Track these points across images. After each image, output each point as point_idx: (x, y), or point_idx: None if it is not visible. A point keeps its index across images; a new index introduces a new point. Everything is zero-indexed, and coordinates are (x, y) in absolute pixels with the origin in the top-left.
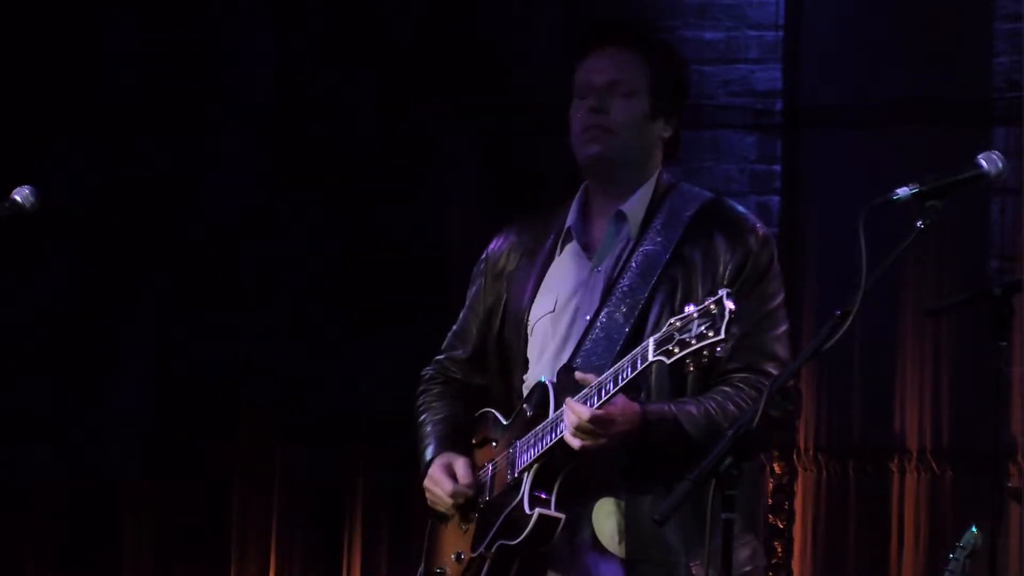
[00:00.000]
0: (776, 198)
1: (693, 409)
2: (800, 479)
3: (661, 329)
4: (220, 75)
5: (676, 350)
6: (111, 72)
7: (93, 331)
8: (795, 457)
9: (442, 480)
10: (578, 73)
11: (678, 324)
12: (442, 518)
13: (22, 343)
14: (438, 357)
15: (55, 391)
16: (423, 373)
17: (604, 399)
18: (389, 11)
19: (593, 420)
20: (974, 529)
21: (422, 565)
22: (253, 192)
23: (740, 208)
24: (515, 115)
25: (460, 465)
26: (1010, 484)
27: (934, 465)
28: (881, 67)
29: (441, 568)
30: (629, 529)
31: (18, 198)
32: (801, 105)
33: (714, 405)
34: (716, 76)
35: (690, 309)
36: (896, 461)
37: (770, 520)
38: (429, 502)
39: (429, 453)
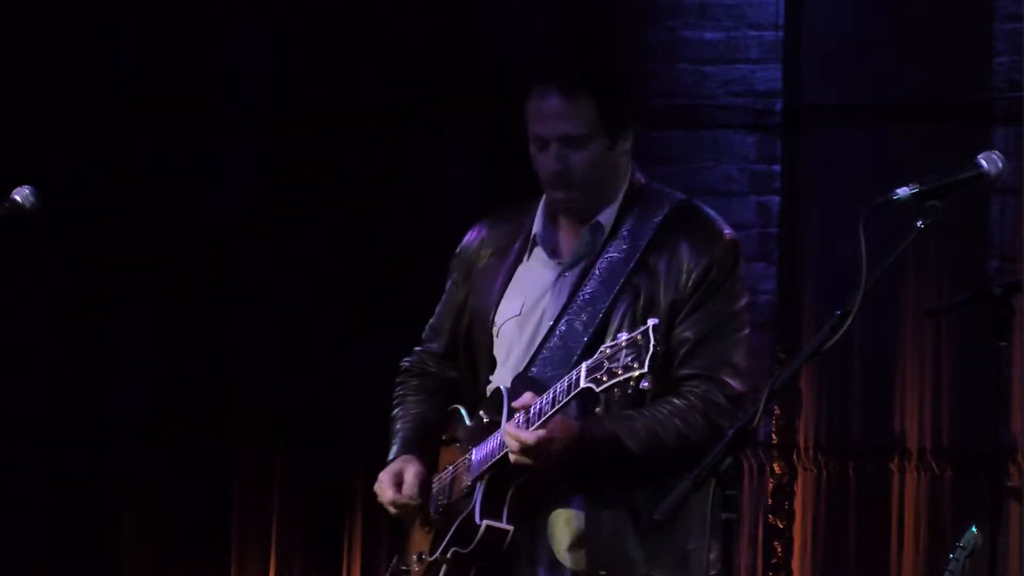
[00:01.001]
0: (776, 198)
1: (636, 425)
2: (800, 479)
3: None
4: (220, 75)
5: (604, 379)
6: (111, 72)
7: (93, 331)
8: (795, 457)
9: (386, 489)
10: (528, 119)
11: (608, 352)
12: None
13: (22, 343)
14: (416, 348)
15: (55, 391)
16: (402, 364)
17: (541, 421)
18: (389, 11)
19: (528, 445)
20: (974, 529)
21: (395, 559)
22: (253, 192)
23: (709, 212)
24: (515, 115)
25: (409, 474)
26: (1010, 483)
27: (934, 465)
28: (881, 67)
29: (407, 566)
30: (586, 542)
31: (18, 198)
32: (801, 105)
33: (660, 420)
34: (716, 76)
35: (621, 338)
36: (896, 461)
37: (770, 520)
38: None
39: (391, 454)
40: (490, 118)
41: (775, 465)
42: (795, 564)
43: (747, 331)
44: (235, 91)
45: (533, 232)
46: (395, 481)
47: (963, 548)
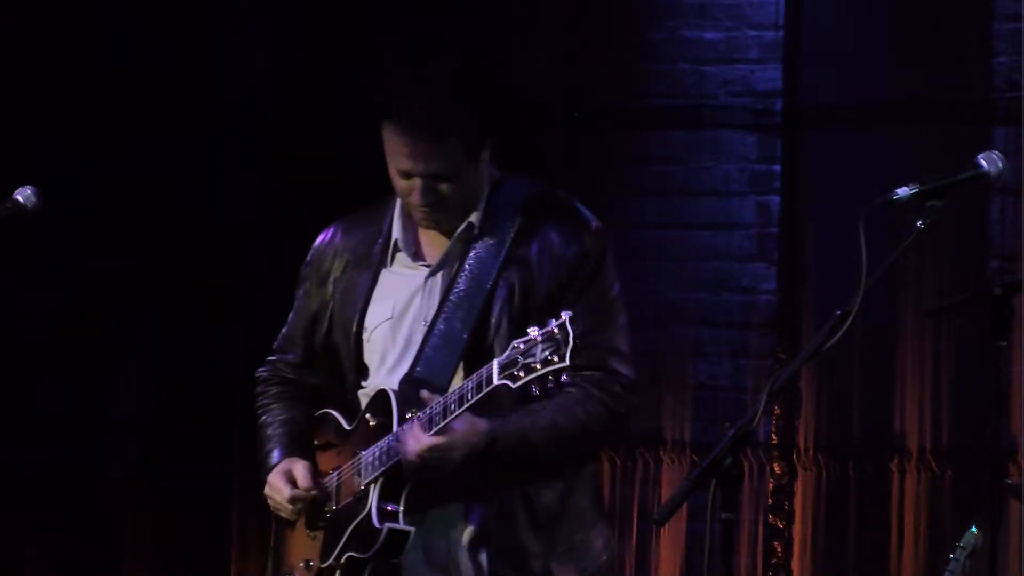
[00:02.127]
0: (776, 198)
1: (541, 419)
2: (800, 479)
3: (502, 338)
4: (220, 75)
5: (521, 374)
6: (111, 72)
7: (93, 331)
8: (795, 457)
9: (281, 487)
10: (387, 145)
11: (522, 347)
12: (287, 523)
13: (23, 343)
14: (271, 358)
15: (55, 391)
16: (258, 374)
17: (448, 419)
18: (389, 11)
19: (432, 448)
20: (974, 529)
21: (269, 569)
22: (253, 192)
23: (573, 202)
24: (515, 115)
25: (300, 469)
26: (1010, 481)
27: (934, 465)
28: (881, 67)
29: (289, 573)
30: (482, 539)
31: (20, 198)
32: (801, 105)
33: (562, 411)
34: (716, 76)
35: (534, 333)
36: (896, 461)
37: (770, 520)
38: (272, 509)
39: (273, 458)
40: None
41: (775, 465)
42: (795, 564)
43: (625, 317)
44: (235, 91)
45: (394, 237)
46: (287, 479)
47: (963, 548)
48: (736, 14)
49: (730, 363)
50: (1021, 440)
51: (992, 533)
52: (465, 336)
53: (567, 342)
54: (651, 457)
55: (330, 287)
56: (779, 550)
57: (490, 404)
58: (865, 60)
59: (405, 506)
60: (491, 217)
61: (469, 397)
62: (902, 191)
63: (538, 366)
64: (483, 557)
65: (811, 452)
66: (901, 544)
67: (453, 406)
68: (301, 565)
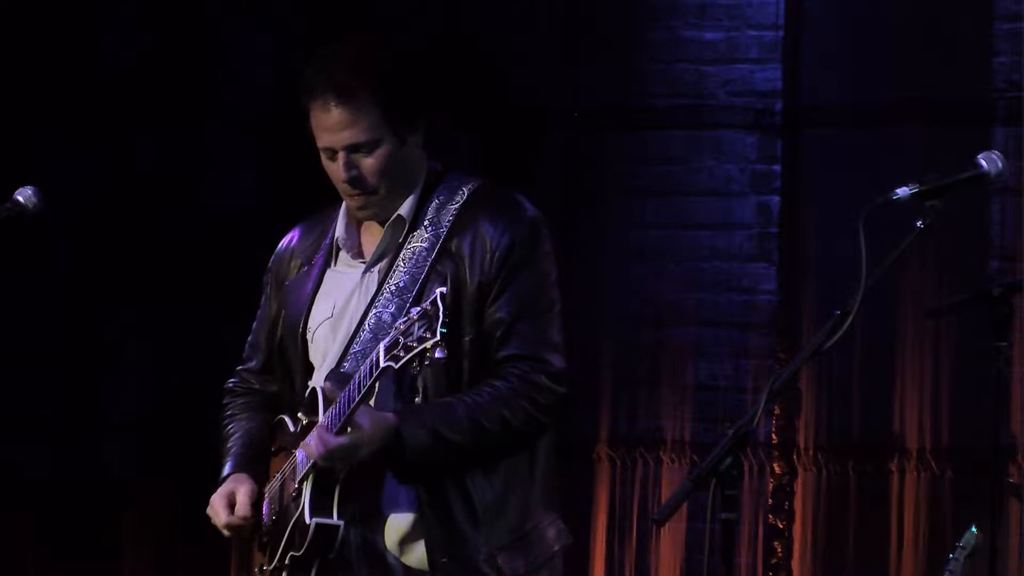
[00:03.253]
0: (776, 198)
1: (457, 414)
2: (800, 479)
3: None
4: (220, 75)
5: (402, 354)
6: (111, 72)
7: (93, 331)
8: (795, 457)
9: (219, 511)
10: (313, 130)
11: (402, 327)
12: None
13: (22, 343)
14: (238, 367)
15: (55, 391)
16: (226, 385)
17: (350, 409)
18: (389, 11)
19: (337, 449)
20: (974, 529)
21: None
22: (253, 192)
23: (509, 192)
24: (515, 115)
25: (242, 493)
26: (1010, 480)
27: (934, 465)
28: (881, 67)
29: None
30: (419, 533)
31: (20, 199)
32: (801, 105)
33: (481, 406)
34: (716, 76)
35: (413, 312)
36: (896, 461)
37: (770, 520)
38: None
39: (224, 471)
40: (490, 117)
41: (775, 465)
42: (795, 564)
43: (559, 306)
44: (235, 91)
45: (336, 236)
46: (227, 503)
47: (963, 548)
48: (736, 14)
49: (730, 363)
50: (1021, 440)
51: (992, 533)
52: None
53: (437, 317)
54: (651, 457)
55: (284, 291)
56: (779, 550)
57: (401, 395)
58: (865, 60)
59: (339, 501)
60: (427, 211)
61: (364, 383)
62: (902, 191)
63: (414, 344)
64: (420, 548)
65: (811, 452)
66: (901, 544)
67: (354, 394)
68: (256, 571)
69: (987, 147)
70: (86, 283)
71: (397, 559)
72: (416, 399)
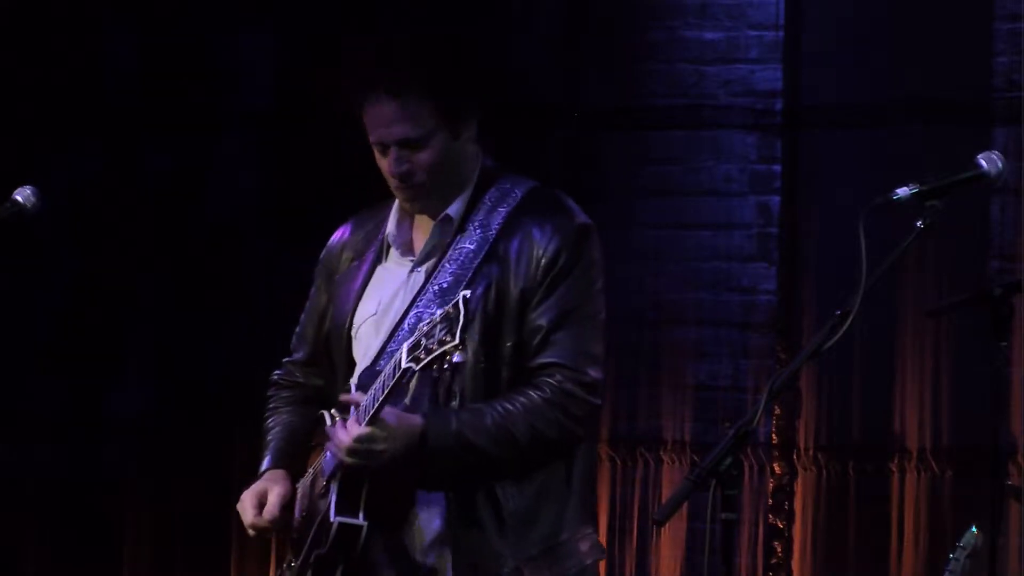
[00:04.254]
0: (776, 198)
1: (486, 421)
2: (800, 479)
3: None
4: (220, 75)
5: (423, 356)
6: (111, 72)
7: (94, 331)
8: (795, 457)
9: (247, 510)
10: (366, 126)
11: (425, 329)
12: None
13: (23, 343)
14: (285, 360)
15: (55, 391)
16: (272, 377)
17: (375, 407)
18: (389, 11)
19: (359, 438)
20: (974, 529)
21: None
22: (253, 192)
23: (560, 197)
24: (515, 115)
25: (274, 494)
26: (1010, 483)
27: (934, 465)
28: (881, 67)
29: (280, 574)
30: (446, 540)
31: (20, 198)
32: (801, 105)
33: (512, 415)
34: (716, 76)
35: (436, 313)
36: (896, 461)
37: (770, 520)
38: None
39: (263, 465)
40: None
41: (775, 465)
42: (795, 564)
43: (602, 316)
44: (235, 91)
45: (387, 232)
46: (257, 502)
47: (963, 548)
48: (736, 14)
49: (730, 363)
50: (1021, 440)
51: (992, 533)
52: None
53: (458, 320)
54: (651, 457)
55: (334, 286)
56: (779, 550)
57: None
58: (865, 60)
59: (366, 504)
60: (477, 212)
61: (388, 384)
62: (902, 191)
63: (435, 346)
64: (446, 557)
65: (811, 452)
66: (901, 544)
67: (379, 394)
68: (285, 566)
69: (987, 147)
70: (86, 283)
71: (424, 564)
72: (452, 404)
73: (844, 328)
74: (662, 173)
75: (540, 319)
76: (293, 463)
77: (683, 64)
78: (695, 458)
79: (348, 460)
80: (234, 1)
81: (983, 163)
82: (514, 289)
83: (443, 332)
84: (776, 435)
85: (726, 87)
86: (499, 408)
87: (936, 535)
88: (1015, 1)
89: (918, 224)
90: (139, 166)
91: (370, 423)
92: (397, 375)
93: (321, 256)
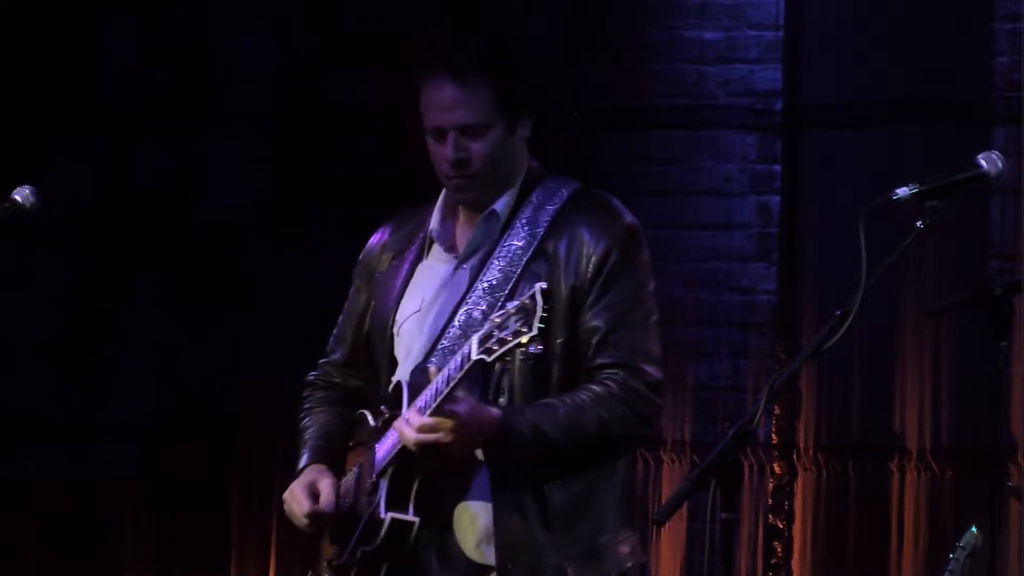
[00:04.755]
0: (776, 198)
1: (559, 414)
2: (800, 479)
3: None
4: (220, 75)
5: (495, 347)
6: (111, 72)
7: (94, 331)
8: (795, 457)
9: (301, 499)
10: (423, 110)
11: (497, 320)
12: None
13: (23, 343)
14: (321, 360)
15: (55, 391)
16: (307, 378)
17: (437, 401)
18: (389, 11)
19: (424, 427)
20: (974, 529)
21: (310, 570)
22: (253, 192)
23: (608, 197)
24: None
25: (325, 485)
26: (1010, 483)
27: (934, 465)
28: (881, 67)
29: (317, 574)
30: (493, 535)
31: (18, 198)
32: (801, 105)
33: (581, 407)
34: (716, 76)
35: (510, 305)
36: (896, 461)
37: (770, 520)
38: (286, 513)
39: (302, 462)
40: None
41: (775, 465)
42: (795, 564)
43: (656, 316)
44: (235, 91)
45: (429, 229)
46: (310, 491)
47: (963, 548)
48: (736, 14)
49: (730, 363)
50: (1021, 440)
51: (992, 533)
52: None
53: (535, 311)
54: (651, 457)
55: (374, 285)
56: (779, 550)
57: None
58: (865, 60)
59: (416, 501)
60: (524, 210)
61: (455, 375)
62: (902, 191)
63: (509, 338)
64: (489, 552)
65: (811, 452)
66: (901, 544)
67: (442, 387)
68: (325, 564)
69: (987, 147)
70: (86, 283)
71: (469, 560)
72: (501, 400)
73: (844, 328)
74: (662, 173)
75: (596, 319)
76: (332, 461)
77: (683, 64)
78: (695, 458)
79: (419, 442)
80: (234, 1)
81: (983, 163)
82: (564, 287)
83: (519, 323)
84: (776, 435)
85: (726, 87)
86: (568, 401)
87: (936, 535)
88: (1015, 1)
89: (918, 224)
90: (139, 166)
91: (434, 415)
92: (467, 367)
93: (360, 258)
